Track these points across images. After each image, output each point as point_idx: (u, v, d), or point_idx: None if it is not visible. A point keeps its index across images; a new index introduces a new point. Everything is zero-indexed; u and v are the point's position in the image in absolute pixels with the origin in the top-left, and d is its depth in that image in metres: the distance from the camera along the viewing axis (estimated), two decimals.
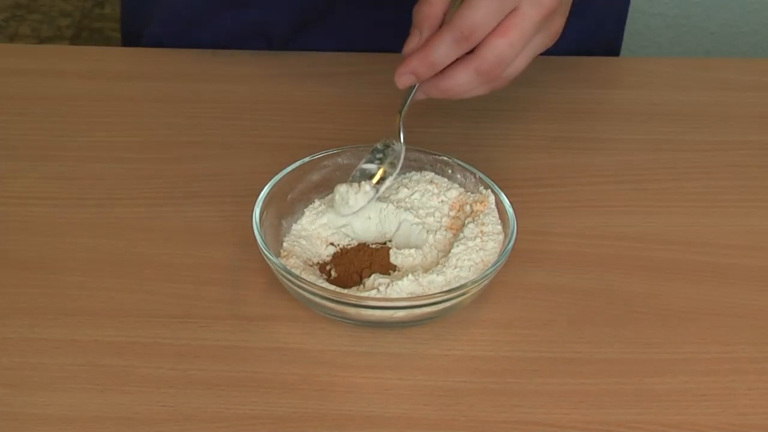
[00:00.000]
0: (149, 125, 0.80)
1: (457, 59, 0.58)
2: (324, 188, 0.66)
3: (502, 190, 0.63)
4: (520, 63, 0.59)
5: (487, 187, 0.64)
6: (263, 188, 0.62)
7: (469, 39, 0.56)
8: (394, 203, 0.65)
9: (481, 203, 0.63)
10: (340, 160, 0.66)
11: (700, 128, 0.77)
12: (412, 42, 0.59)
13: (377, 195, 0.62)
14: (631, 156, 0.76)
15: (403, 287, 0.56)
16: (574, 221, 0.68)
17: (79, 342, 0.57)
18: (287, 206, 0.64)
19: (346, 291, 0.57)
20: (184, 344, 0.57)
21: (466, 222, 0.62)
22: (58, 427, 0.53)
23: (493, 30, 0.57)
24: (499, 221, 0.62)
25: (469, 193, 0.64)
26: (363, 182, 0.62)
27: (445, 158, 0.66)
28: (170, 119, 0.81)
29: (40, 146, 0.74)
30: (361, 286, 0.59)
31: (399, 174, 0.65)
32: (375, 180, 0.62)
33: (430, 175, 0.66)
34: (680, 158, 0.74)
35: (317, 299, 0.56)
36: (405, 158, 0.63)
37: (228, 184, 0.72)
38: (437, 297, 0.56)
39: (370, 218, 0.64)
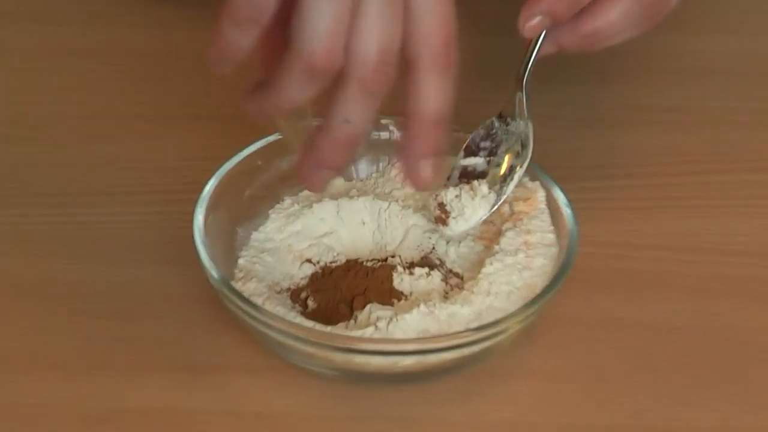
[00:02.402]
0: (36, 88, 0.80)
1: None
2: (297, 180, 0.66)
3: (556, 182, 0.63)
4: None
5: (534, 178, 0.64)
6: (208, 180, 0.63)
7: None
8: (399, 201, 0.65)
9: (525, 202, 0.63)
10: None
11: None
12: None
13: (504, 199, 0.62)
14: (745, 133, 0.76)
15: (412, 323, 0.56)
16: (660, 228, 0.68)
17: None
18: (244, 207, 0.64)
19: (330, 329, 0.57)
20: (93, 407, 0.57)
21: (503, 229, 0.62)
22: None
23: None
24: (552, 228, 0.62)
25: None
26: (476, 183, 0.62)
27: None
28: (69, 79, 0.81)
29: None
30: (352, 321, 0.59)
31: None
32: (500, 174, 0.62)
33: (450, 161, 0.66)
34: None
35: (288, 341, 0.56)
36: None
37: (156, 175, 0.72)
38: (462, 338, 0.55)
39: (364, 223, 0.65)
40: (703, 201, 0.70)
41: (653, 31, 0.78)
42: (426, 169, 0.57)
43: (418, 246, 0.64)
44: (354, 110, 0.53)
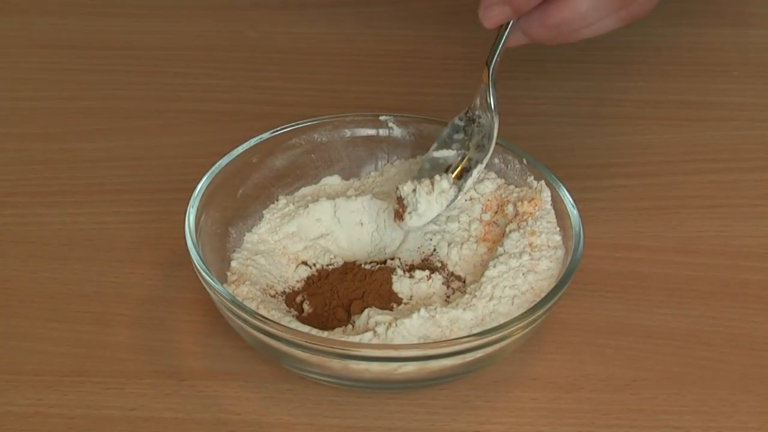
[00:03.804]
0: (23, 82, 0.80)
1: None
2: (293, 179, 0.66)
3: (562, 181, 0.63)
4: None
5: (539, 177, 0.63)
6: (201, 179, 0.62)
7: None
8: None
9: (530, 202, 0.62)
10: (317, 136, 0.66)
11: None
12: None
13: (461, 195, 0.62)
14: (760, 130, 0.76)
15: (412, 329, 0.56)
16: (673, 229, 0.68)
17: None
18: (237, 206, 0.64)
19: (326, 334, 0.57)
20: (80, 414, 0.57)
21: (507, 230, 0.62)
22: None
23: None
24: (558, 229, 0.62)
25: (512, 187, 0.64)
26: (437, 177, 0.62)
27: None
28: (57, 74, 0.81)
29: None
30: (350, 326, 0.59)
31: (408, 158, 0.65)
32: (455, 172, 0.62)
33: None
34: None
35: (283, 347, 0.56)
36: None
37: (147, 174, 0.72)
38: (464, 343, 0.55)
39: (362, 224, 0.64)
40: (718, 201, 0.70)
41: (664, 25, 0.78)
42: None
43: (419, 248, 0.63)
44: None
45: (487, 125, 0.62)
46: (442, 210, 0.61)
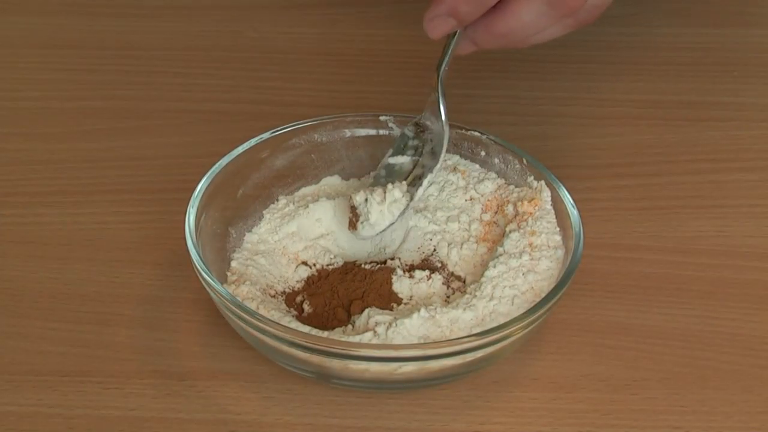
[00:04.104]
0: (23, 82, 0.80)
1: None
2: (293, 179, 0.66)
3: (562, 181, 0.63)
4: None
5: (539, 177, 0.63)
6: (201, 179, 0.62)
7: None
8: None
9: (530, 202, 0.62)
10: (317, 136, 0.66)
11: None
12: None
13: (413, 202, 0.62)
14: (760, 131, 0.76)
15: (412, 329, 0.56)
16: (673, 229, 0.68)
17: None
18: (237, 206, 0.64)
19: (326, 334, 0.57)
20: (80, 414, 0.57)
21: (507, 230, 0.62)
22: None
23: None
24: (558, 229, 0.61)
25: (512, 187, 0.64)
26: (390, 185, 0.61)
27: (477, 134, 0.66)
28: (57, 74, 0.81)
29: None
30: (350, 326, 0.58)
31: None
32: (408, 180, 0.62)
33: (453, 159, 0.66)
34: None
35: (283, 347, 0.56)
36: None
37: (147, 174, 0.72)
38: (464, 344, 0.55)
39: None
40: (718, 201, 0.70)
41: (663, 25, 0.78)
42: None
43: (419, 248, 0.63)
44: None
45: (437, 132, 0.62)
46: (395, 219, 0.61)
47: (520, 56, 0.76)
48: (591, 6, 0.59)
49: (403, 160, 0.63)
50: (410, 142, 0.63)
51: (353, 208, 0.62)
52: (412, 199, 0.62)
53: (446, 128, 0.62)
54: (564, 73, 0.79)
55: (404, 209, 0.61)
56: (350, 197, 0.62)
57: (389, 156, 0.63)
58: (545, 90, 0.78)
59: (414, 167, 0.63)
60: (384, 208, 0.61)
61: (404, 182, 0.62)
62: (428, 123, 0.63)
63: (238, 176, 0.64)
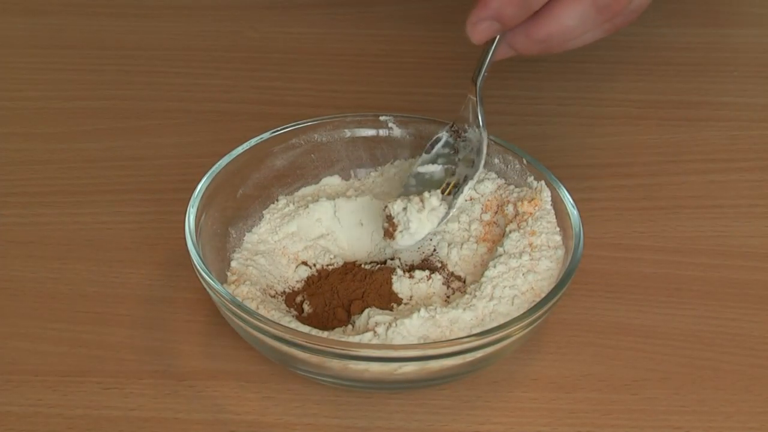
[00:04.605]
0: (23, 82, 0.80)
1: None
2: (293, 179, 0.66)
3: (562, 181, 0.63)
4: None
5: (539, 177, 0.63)
6: (201, 180, 0.62)
7: None
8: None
9: (530, 202, 0.62)
10: (317, 136, 0.66)
11: None
12: None
13: (452, 212, 0.61)
14: (759, 130, 0.76)
15: (412, 329, 0.56)
16: (673, 229, 0.68)
17: None
18: (237, 207, 0.64)
19: (326, 334, 0.57)
20: (80, 414, 0.57)
21: (507, 230, 0.62)
22: None
23: None
24: (558, 229, 0.61)
25: (512, 187, 0.64)
26: (426, 194, 0.61)
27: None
28: (57, 74, 0.81)
29: None
30: (350, 326, 0.58)
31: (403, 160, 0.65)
32: (448, 189, 0.61)
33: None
34: None
35: (283, 347, 0.56)
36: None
37: (147, 174, 0.72)
38: (464, 344, 0.55)
39: (362, 225, 0.64)
40: (718, 201, 0.70)
41: (663, 25, 0.78)
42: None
43: (419, 248, 0.63)
44: None
45: (475, 140, 0.62)
46: (434, 228, 0.61)
47: (518, 56, 0.75)
48: (629, 10, 0.58)
49: (433, 169, 0.63)
50: (441, 151, 0.63)
51: (389, 217, 0.61)
52: (450, 207, 0.61)
53: (485, 136, 0.62)
54: (564, 73, 0.79)
55: (444, 217, 0.61)
56: (385, 206, 0.61)
57: (418, 165, 0.63)
58: (545, 90, 0.78)
59: (448, 176, 0.62)
60: (423, 216, 0.61)
61: (437, 191, 0.61)
62: (462, 130, 0.63)
63: (238, 176, 0.64)
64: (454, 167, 0.63)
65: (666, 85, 0.80)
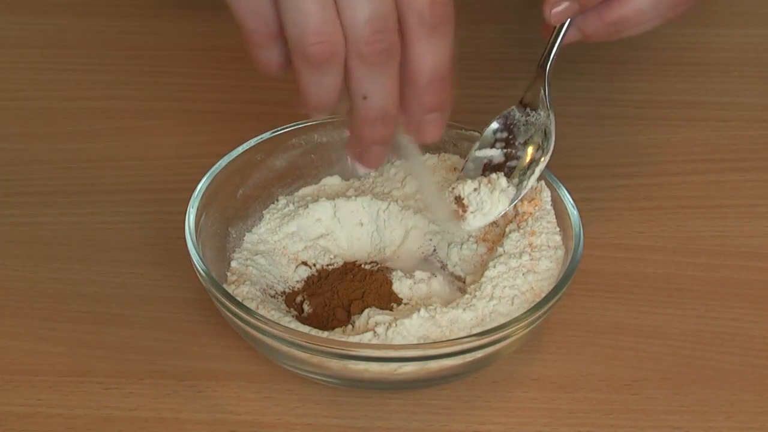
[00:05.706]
0: (23, 82, 0.80)
1: None
2: (293, 179, 0.66)
3: (562, 181, 0.63)
4: None
5: (539, 177, 0.63)
6: (201, 180, 0.62)
7: None
8: (398, 201, 0.65)
9: (530, 202, 0.62)
10: (317, 136, 0.66)
11: None
12: None
13: (524, 192, 0.61)
14: (759, 131, 0.76)
15: (412, 329, 0.56)
16: (673, 229, 0.68)
17: None
18: (237, 206, 0.64)
19: (326, 334, 0.57)
20: (80, 414, 0.57)
21: (507, 230, 0.62)
22: None
23: None
24: (558, 229, 0.61)
25: None
26: (494, 176, 0.61)
27: (477, 134, 0.65)
28: (57, 74, 0.81)
29: None
30: (350, 326, 0.58)
31: (399, 159, 0.65)
32: (513, 173, 0.61)
33: (452, 158, 0.66)
34: None
35: (283, 347, 0.56)
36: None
37: (147, 174, 0.72)
38: (464, 344, 0.55)
39: (362, 224, 0.64)
40: (718, 201, 0.70)
41: (664, 25, 0.78)
42: (431, 122, 0.55)
43: (419, 248, 0.63)
44: (366, 86, 0.52)
45: (539, 123, 0.62)
46: (506, 208, 0.61)
47: (518, 56, 0.75)
48: None
49: (492, 153, 0.63)
50: (498, 135, 0.63)
51: (459, 199, 0.61)
52: (518, 189, 0.61)
53: (553, 119, 0.62)
54: (564, 73, 0.79)
55: (514, 199, 0.61)
56: (452, 188, 0.61)
57: (476, 149, 0.63)
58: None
59: (504, 159, 0.62)
60: (495, 196, 0.61)
61: (501, 173, 0.61)
62: (525, 113, 0.63)
63: (238, 176, 0.64)
64: (513, 150, 0.62)
65: (666, 85, 0.80)
